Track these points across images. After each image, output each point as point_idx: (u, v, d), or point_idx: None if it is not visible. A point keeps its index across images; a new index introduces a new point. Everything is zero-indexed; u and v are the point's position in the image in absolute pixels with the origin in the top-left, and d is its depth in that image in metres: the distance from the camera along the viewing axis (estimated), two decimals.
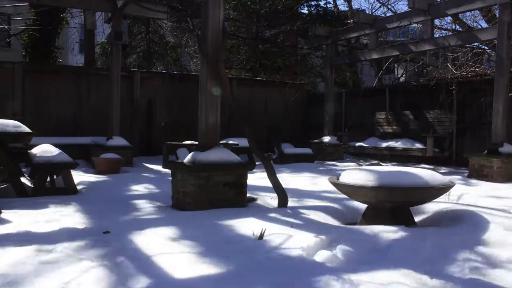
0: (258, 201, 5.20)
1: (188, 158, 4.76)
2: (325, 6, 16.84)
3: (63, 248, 3.01)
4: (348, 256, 2.98)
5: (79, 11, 14.25)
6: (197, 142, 5.45)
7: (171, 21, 14.66)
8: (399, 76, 17.41)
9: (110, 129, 9.57)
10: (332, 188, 4.56)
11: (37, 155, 5.86)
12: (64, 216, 4.21)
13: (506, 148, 7.84)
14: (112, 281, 2.45)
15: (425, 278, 2.64)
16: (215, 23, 4.84)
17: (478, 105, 10.06)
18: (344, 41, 15.47)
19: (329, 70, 12.55)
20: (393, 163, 10.63)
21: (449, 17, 12.86)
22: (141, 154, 10.93)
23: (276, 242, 3.19)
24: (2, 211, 4.27)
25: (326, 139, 12.11)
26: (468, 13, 12.72)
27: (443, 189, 4.00)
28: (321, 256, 2.94)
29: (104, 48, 16.48)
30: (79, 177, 7.01)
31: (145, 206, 4.86)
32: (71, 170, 5.97)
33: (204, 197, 4.54)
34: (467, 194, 5.88)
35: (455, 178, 7.50)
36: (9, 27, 14.99)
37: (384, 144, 10.40)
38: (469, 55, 12.38)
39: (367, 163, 10.96)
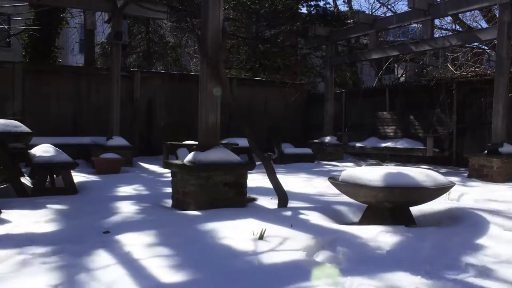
0: (258, 201, 5.20)
1: (188, 158, 4.76)
2: (324, 6, 16.86)
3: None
4: (348, 256, 2.98)
5: (79, 11, 14.25)
6: (197, 142, 5.44)
7: (171, 21, 14.67)
8: (399, 76, 17.42)
9: (110, 129, 9.57)
10: (332, 189, 4.55)
11: (37, 155, 5.86)
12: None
13: (506, 148, 7.84)
14: None
15: (425, 278, 2.64)
16: (215, 23, 4.84)
17: (478, 105, 10.06)
18: (344, 41, 15.48)
19: (329, 70, 12.55)
20: (393, 163, 10.63)
21: (449, 17, 12.87)
22: (141, 154, 10.94)
23: (276, 242, 3.19)
24: (2, 211, 4.28)
25: (326, 139, 12.11)
26: (468, 13, 12.74)
27: (443, 189, 4.00)
28: (322, 256, 2.94)
29: (104, 48, 16.47)
30: (79, 177, 7.01)
31: (142, 207, 4.85)
32: (71, 170, 5.97)
33: (204, 197, 4.54)
34: (467, 194, 5.88)
35: (455, 178, 7.50)
36: (9, 27, 14.98)
37: (384, 144, 10.40)
38: (469, 55, 12.38)
39: (367, 163, 10.95)
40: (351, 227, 3.70)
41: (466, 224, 3.81)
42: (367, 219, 4.12)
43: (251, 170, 4.98)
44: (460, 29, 13.26)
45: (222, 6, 4.96)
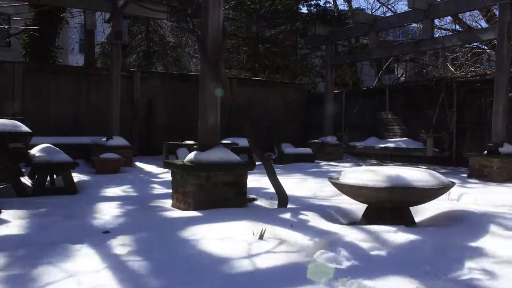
0: (258, 202, 5.20)
1: (188, 158, 4.76)
2: (324, 5, 16.85)
3: None
4: (348, 256, 2.98)
5: (79, 11, 14.24)
6: (197, 142, 5.44)
7: (171, 21, 14.65)
8: (399, 76, 17.40)
9: (110, 129, 9.56)
10: (331, 189, 4.55)
11: (37, 155, 5.86)
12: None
13: (506, 148, 7.84)
14: None
15: (426, 278, 2.64)
16: (215, 23, 4.84)
17: (478, 105, 10.05)
18: (344, 41, 15.49)
19: (329, 70, 12.55)
20: (393, 163, 10.63)
21: (449, 17, 12.87)
22: (141, 154, 10.94)
23: (276, 242, 3.19)
24: (2, 211, 4.27)
25: (326, 139, 12.11)
26: (468, 13, 12.74)
27: (443, 189, 4.00)
28: (322, 256, 2.94)
29: (104, 48, 16.47)
30: (79, 177, 7.01)
31: (142, 207, 4.86)
32: (71, 170, 5.96)
33: (204, 197, 4.54)
34: (467, 194, 5.88)
35: (455, 178, 7.50)
36: (9, 27, 14.98)
37: (384, 144, 10.39)
38: (469, 55, 12.38)
39: (367, 163, 10.95)
40: (351, 227, 3.70)
41: (466, 224, 3.81)
42: (367, 219, 4.12)
43: (251, 170, 4.97)
44: (460, 29, 13.26)
45: (222, 6, 4.95)
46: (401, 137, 10.48)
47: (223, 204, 4.55)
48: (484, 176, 7.79)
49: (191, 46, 18.19)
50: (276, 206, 4.75)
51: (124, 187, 6.43)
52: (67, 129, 10.69)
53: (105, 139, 9.29)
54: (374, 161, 11.40)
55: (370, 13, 16.77)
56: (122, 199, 5.36)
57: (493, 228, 3.66)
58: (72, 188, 5.86)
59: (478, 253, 3.12)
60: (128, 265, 2.78)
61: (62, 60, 17.10)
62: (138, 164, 9.39)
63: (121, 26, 9.56)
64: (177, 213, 4.41)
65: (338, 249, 3.08)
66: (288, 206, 4.71)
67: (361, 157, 12.12)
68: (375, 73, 17.20)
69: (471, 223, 3.82)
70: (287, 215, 4.02)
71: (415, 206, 4.27)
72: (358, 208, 4.45)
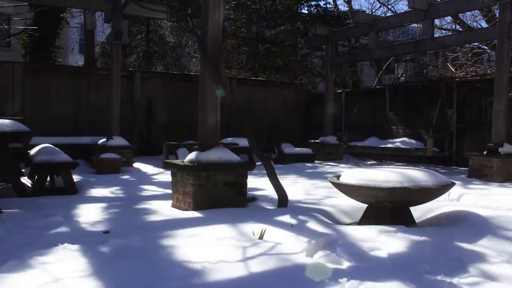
0: (258, 201, 5.20)
1: (188, 158, 4.76)
2: (325, 6, 16.84)
3: None
4: (348, 256, 2.97)
5: (79, 11, 14.24)
6: (197, 142, 5.44)
7: (171, 21, 14.65)
8: (399, 76, 17.39)
9: (110, 129, 9.56)
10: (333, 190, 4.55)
11: (37, 155, 5.86)
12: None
13: (506, 148, 7.84)
14: None
15: (426, 278, 2.64)
16: (215, 23, 4.84)
17: (478, 105, 10.05)
18: (344, 41, 15.47)
19: (329, 70, 12.54)
20: (393, 163, 10.63)
21: (449, 17, 12.87)
22: (141, 154, 10.93)
23: (276, 242, 3.19)
24: (2, 211, 4.28)
25: (326, 139, 12.11)
26: (468, 13, 12.74)
27: (443, 189, 4.00)
28: (322, 256, 2.94)
29: (104, 48, 16.46)
30: (79, 177, 7.00)
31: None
32: (71, 170, 5.96)
33: (204, 197, 4.53)
34: (467, 194, 5.87)
35: (455, 178, 7.49)
36: (9, 27, 14.97)
37: (384, 144, 10.39)
38: (469, 55, 12.37)
39: (367, 163, 10.95)
40: (351, 227, 3.70)
41: (466, 224, 3.81)
42: (367, 219, 4.12)
43: (251, 170, 4.98)
44: (460, 29, 13.25)
45: (222, 6, 4.95)
46: (401, 137, 10.48)
47: (223, 204, 4.55)
48: (484, 176, 7.79)
49: (191, 46, 18.17)
50: (276, 206, 4.75)
51: (124, 187, 6.43)
52: (67, 129, 10.69)
53: (105, 139, 9.29)
54: (374, 161, 11.40)
55: (370, 13, 16.77)
56: (122, 200, 5.36)
57: (493, 227, 3.66)
58: (72, 188, 5.86)
59: (479, 253, 3.12)
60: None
61: (62, 60, 17.09)
62: (138, 164, 9.39)
63: (121, 26, 9.56)
64: (178, 213, 4.41)
65: (338, 249, 3.07)
66: (288, 206, 4.71)
67: (361, 157, 12.12)
68: (375, 73, 17.19)
69: (471, 223, 3.82)
70: (287, 215, 4.01)
71: (415, 206, 4.27)
72: (358, 208, 4.45)
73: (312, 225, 3.70)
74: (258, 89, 13.63)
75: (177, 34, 17.17)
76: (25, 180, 6.12)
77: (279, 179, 4.78)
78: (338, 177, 4.32)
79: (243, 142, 9.58)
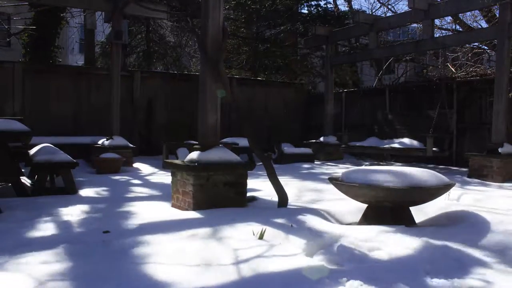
0: (258, 201, 5.20)
1: (188, 158, 4.76)
2: (325, 6, 16.85)
3: None
4: (348, 256, 2.98)
5: (79, 11, 14.25)
6: (197, 142, 5.44)
7: (171, 21, 14.66)
8: (399, 76, 17.40)
9: (110, 129, 9.56)
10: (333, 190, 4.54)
11: (37, 154, 5.85)
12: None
13: (506, 148, 7.84)
14: None
15: (426, 278, 2.64)
16: (215, 23, 4.84)
17: (478, 105, 10.05)
18: (344, 41, 15.47)
19: (329, 70, 12.54)
20: (393, 163, 10.62)
21: (449, 17, 12.87)
22: (141, 154, 10.93)
23: (276, 242, 3.19)
24: (2, 210, 4.28)
25: (326, 139, 12.11)
26: (468, 13, 12.73)
27: (443, 189, 4.00)
28: (321, 256, 2.94)
29: (104, 48, 16.45)
30: (79, 177, 7.00)
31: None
32: (71, 170, 5.96)
33: (204, 197, 4.53)
34: (467, 194, 5.87)
35: (455, 178, 7.50)
36: (9, 26, 14.98)
37: (384, 144, 10.39)
38: (469, 55, 12.38)
39: (367, 163, 10.95)
40: (351, 228, 3.70)
41: (466, 224, 3.80)
42: (367, 219, 4.12)
43: (251, 170, 4.98)
44: (460, 29, 13.25)
45: (222, 6, 4.95)
46: (401, 137, 10.47)
47: (223, 204, 4.55)
48: (484, 176, 7.79)
49: (191, 46, 18.18)
50: (276, 206, 4.75)
51: (124, 187, 6.43)
52: (67, 129, 10.69)
53: (105, 139, 9.29)
54: (374, 161, 11.40)
55: (370, 13, 16.77)
56: (122, 200, 5.35)
57: (492, 227, 3.65)
58: (72, 188, 5.86)
59: (478, 252, 3.12)
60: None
61: (62, 60, 17.07)
62: (138, 164, 9.39)
63: (121, 26, 9.56)
64: (178, 213, 4.41)
65: (338, 249, 3.07)
66: (288, 206, 4.71)
67: (361, 157, 12.11)
68: (375, 73, 17.20)
69: (471, 223, 3.81)
70: (287, 215, 4.01)
71: (415, 206, 4.27)
72: (358, 208, 4.45)
73: (312, 225, 3.70)
74: (258, 89, 13.63)
75: (177, 34, 17.18)
76: (25, 180, 6.12)
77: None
78: (338, 177, 4.32)
79: (243, 142, 9.58)
